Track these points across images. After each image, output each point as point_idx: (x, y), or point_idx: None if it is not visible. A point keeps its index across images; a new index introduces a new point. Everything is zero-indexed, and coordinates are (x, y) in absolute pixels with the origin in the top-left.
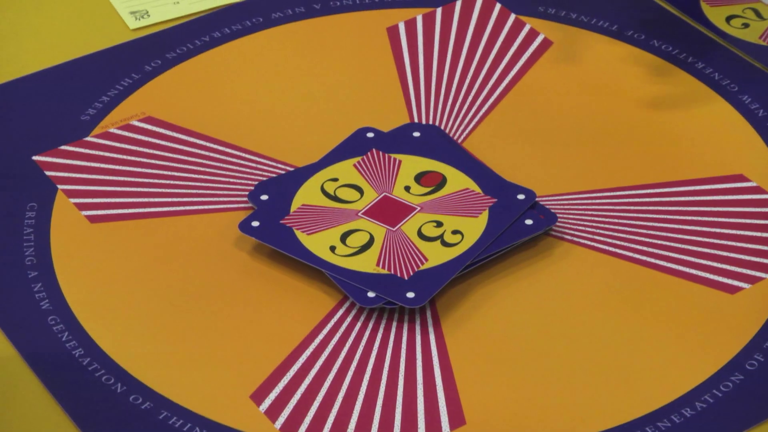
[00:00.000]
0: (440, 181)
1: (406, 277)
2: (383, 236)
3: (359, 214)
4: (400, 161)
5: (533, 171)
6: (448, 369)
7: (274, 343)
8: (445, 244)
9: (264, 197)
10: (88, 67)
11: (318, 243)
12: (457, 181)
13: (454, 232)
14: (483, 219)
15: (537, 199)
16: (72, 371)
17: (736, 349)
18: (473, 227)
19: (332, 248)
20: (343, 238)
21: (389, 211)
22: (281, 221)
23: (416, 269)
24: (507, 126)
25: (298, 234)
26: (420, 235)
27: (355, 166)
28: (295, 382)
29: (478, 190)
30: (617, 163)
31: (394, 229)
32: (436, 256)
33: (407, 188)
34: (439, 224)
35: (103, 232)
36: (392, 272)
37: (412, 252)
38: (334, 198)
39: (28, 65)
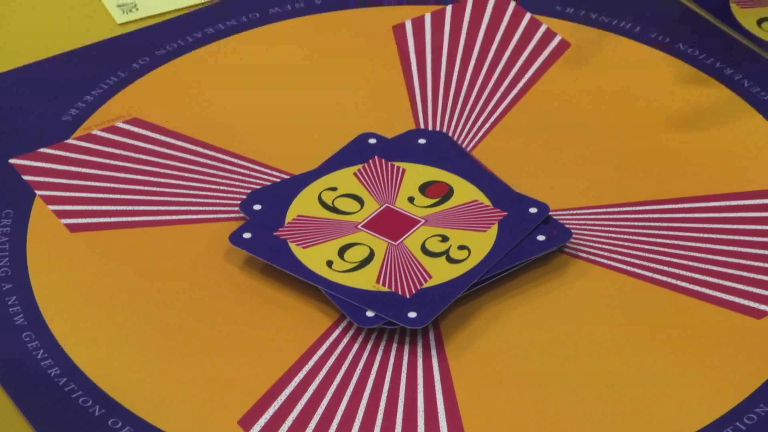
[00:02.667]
0: (447, 192)
1: (408, 296)
2: (384, 251)
3: (359, 226)
4: (404, 170)
5: (547, 183)
6: (451, 396)
7: (265, 365)
8: (450, 260)
9: (257, 207)
10: (70, 64)
11: (314, 257)
12: (465, 192)
13: (461, 247)
14: (492, 234)
15: (550, 213)
16: (47, 392)
17: (761, 378)
18: (481, 242)
19: (329, 263)
20: (341, 252)
21: (391, 224)
22: (275, 233)
23: (419, 287)
24: (520, 134)
25: (293, 247)
26: (424, 250)
27: (355, 174)
28: (286, 408)
29: (487, 202)
30: (638, 175)
31: (396, 244)
32: (440, 273)
33: (411, 199)
34: (445, 239)
35: (83, 242)
36: (393, 290)
37: (415, 268)
38: (332, 209)
39: (5, 61)
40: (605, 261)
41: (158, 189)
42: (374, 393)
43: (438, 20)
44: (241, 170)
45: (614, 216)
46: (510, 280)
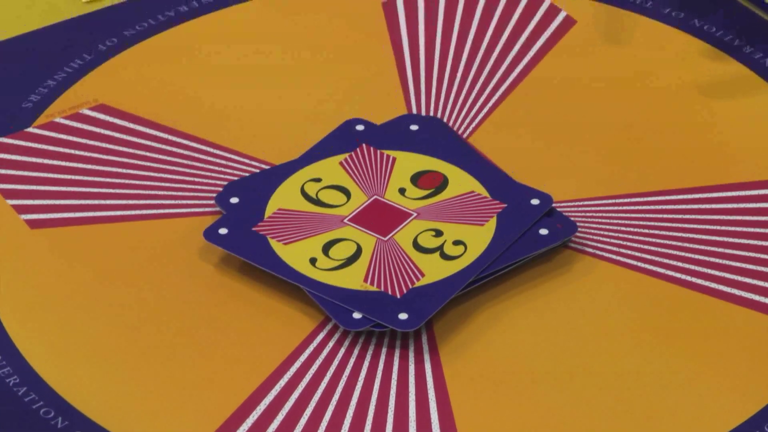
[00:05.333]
0: (441, 183)
1: (398, 296)
2: (373, 247)
3: (345, 220)
4: (394, 159)
5: (550, 172)
6: (446, 406)
7: (244, 371)
8: (445, 256)
9: (234, 200)
10: (32, 47)
11: (296, 254)
12: (461, 182)
13: (456, 242)
14: (490, 227)
15: (554, 204)
16: (6, 403)
17: None
18: (478, 237)
19: (312, 261)
20: (326, 248)
21: (380, 218)
22: (253, 228)
23: (410, 286)
24: (520, 119)
25: (273, 244)
26: (416, 246)
27: (341, 164)
28: (267, 417)
29: (485, 193)
30: (648, 164)
31: (386, 239)
32: (434, 270)
33: (402, 191)
34: (439, 233)
35: (45, 239)
36: (382, 290)
37: (407, 266)
38: (316, 202)
39: None
40: (613, 256)
41: (127, 181)
42: (362, 401)
43: None
44: (218, 160)
45: (623, 207)
46: (511, 277)
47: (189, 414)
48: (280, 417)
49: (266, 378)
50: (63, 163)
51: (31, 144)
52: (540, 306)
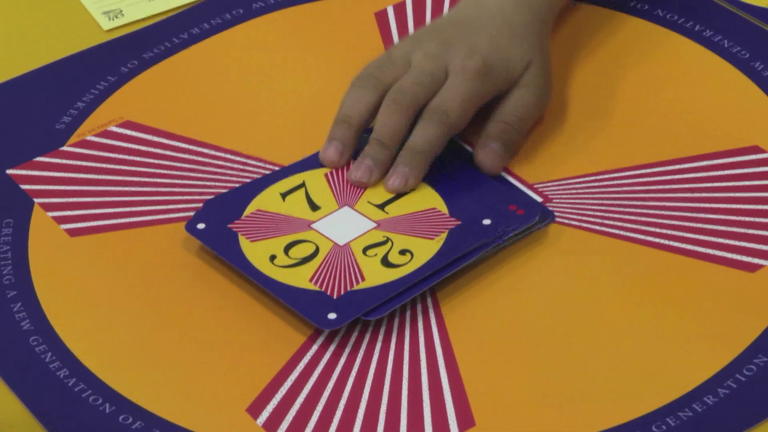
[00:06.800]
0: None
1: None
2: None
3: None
4: None
5: (530, 154)
6: (454, 368)
7: (269, 353)
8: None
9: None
10: (61, 72)
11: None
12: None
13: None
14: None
15: (540, 183)
16: (57, 393)
17: (758, 330)
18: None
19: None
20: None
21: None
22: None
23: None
24: None
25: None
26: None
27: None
28: (293, 392)
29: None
30: (622, 142)
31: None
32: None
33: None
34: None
35: (84, 245)
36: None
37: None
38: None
39: None
40: (597, 228)
41: (154, 189)
42: (378, 371)
43: (419, 5)
44: (236, 165)
45: (602, 183)
46: (503, 251)
47: (223, 393)
48: (306, 390)
49: (291, 356)
50: (96, 176)
51: (66, 161)
52: (532, 273)
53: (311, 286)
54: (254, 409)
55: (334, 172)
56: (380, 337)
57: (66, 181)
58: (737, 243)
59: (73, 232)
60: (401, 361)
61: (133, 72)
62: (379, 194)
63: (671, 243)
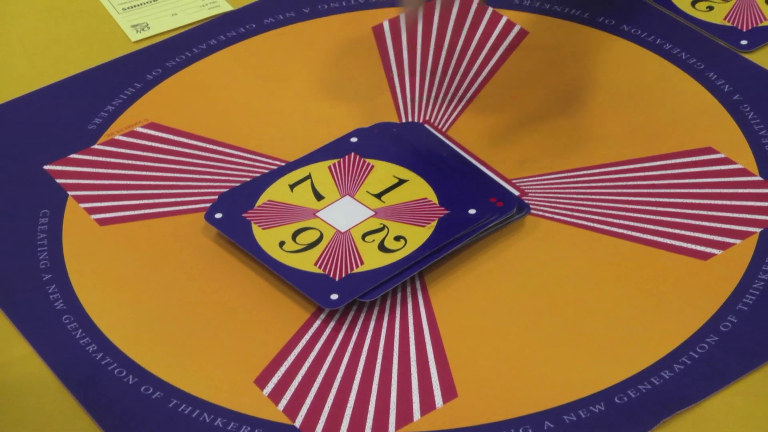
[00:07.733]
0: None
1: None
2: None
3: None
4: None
5: (509, 153)
6: (439, 345)
7: (275, 330)
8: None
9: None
10: (93, 79)
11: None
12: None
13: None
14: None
15: (516, 180)
16: (87, 366)
17: (710, 312)
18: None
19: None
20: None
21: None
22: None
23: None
24: (488, 113)
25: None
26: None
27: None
28: (296, 365)
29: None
30: (591, 143)
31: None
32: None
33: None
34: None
35: (112, 233)
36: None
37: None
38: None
39: (37, 80)
40: (568, 219)
41: (176, 182)
42: (372, 347)
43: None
44: (248, 162)
45: (574, 179)
46: (487, 241)
47: (233, 366)
48: (307, 364)
49: (294, 333)
50: (124, 172)
51: (97, 158)
52: (511, 260)
53: (316, 269)
54: (261, 381)
55: (336, 164)
56: (374, 316)
57: (97, 176)
58: (692, 234)
59: (102, 222)
60: (392, 338)
61: (158, 79)
62: (376, 185)
63: (634, 233)
